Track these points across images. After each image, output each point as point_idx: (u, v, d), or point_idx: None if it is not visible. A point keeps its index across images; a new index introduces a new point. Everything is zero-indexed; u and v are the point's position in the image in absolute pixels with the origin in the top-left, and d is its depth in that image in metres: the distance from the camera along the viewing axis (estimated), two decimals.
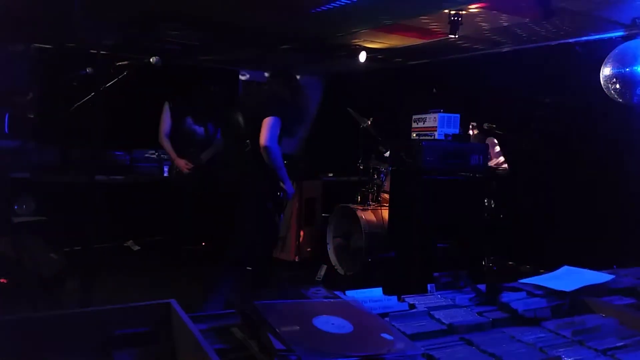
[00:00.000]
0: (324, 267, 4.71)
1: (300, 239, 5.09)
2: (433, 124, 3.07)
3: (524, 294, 1.69)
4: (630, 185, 4.21)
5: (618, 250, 4.12)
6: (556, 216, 4.83)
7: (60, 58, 5.94)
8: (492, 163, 4.47)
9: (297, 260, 5.03)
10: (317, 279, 4.57)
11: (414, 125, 3.25)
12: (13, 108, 5.85)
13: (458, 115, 3.13)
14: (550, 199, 4.90)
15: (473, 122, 4.60)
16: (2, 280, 3.33)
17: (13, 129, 5.82)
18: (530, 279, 1.88)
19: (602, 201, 4.50)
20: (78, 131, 3.69)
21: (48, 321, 1.10)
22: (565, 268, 1.97)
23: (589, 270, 1.90)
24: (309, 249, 5.26)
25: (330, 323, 1.11)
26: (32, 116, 6.01)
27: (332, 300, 1.28)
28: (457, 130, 3.11)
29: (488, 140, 4.54)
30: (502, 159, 4.56)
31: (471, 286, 1.66)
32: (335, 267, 4.83)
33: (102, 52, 6.22)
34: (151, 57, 2.58)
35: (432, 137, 3.07)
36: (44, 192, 5.33)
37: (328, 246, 4.94)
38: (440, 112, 3.07)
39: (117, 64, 2.54)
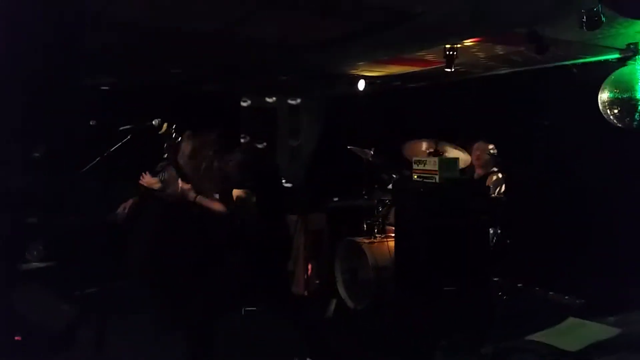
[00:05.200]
0: (334, 302, 4.71)
1: (308, 272, 5.11)
2: (433, 167, 3.11)
3: (530, 356, 1.70)
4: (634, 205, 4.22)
5: (625, 268, 4.14)
6: (562, 236, 4.83)
7: (64, 100, 6.02)
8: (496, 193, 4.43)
9: (306, 294, 5.04)
10: (327, 316, 4.57)
11: (415, 167, 3.29)
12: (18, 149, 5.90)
13: (457, 159, 3.16)
14: (555, 218, 4.90)
15: (477, 144, 4.55)
16: (17, 337, 3.35)
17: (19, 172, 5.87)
18: (536, 334, 1.90)
19: (608, 219, 4.50)
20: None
21: None
22: (570, 320, 1.98)
23: (594, 324, 1.91)
24: (317, 282, 5.27)
25: None
26: (38, 155, 6.07)
27: None
28: (457, 174, 3.13)
29: (493, 174, 4.49)
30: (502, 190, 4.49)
31: (476, 351, 1.68)
32: (345, 301, 4.83)
33: (103, 87, 6.34)
34: (153, 120, 2.64)
35: (433, 181, 3.11)
36: (54, 236, 5.35)
37: (337, 280, 4.95)
38: (440, 155, 3.11)
39: (120, 129, 2.59)
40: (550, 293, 4.84)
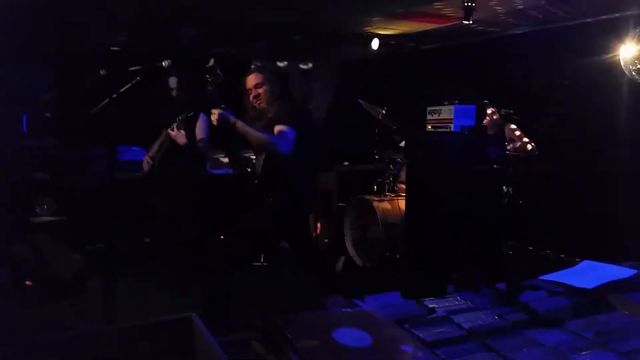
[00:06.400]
0: (342, 259, 4.72)
1: (317, 230, 5.11)
2: (448, 115, 3.03)
3: (544, 292, 1.67)
4: None
5: None
6: (576, 200, 4.77)
7: (74, 59, 5.99)
8: (515, 146, 4.35)
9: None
10: (335, 270, 4.58)
11: (429, 117, 3.21)
12: (30, 108, 5.92)
13: (474, 106, 3.09)
14: (569, 182, 4.84)
15: (491, 107, 4.50)
16: (27, 282, 3.39)
17: (31, 129, 5.90)
18: (550, 275, 1.86)
19: (624, 184, 4.42)
20: (96, 132, 3.74)
21: (71, 341, 1.12)
22: (585, 263, 1.94)
23: (610, 265, 1.88)
24: (326, 240, 5.27)
25: (349, 336, 1.12)
26: (49, 115, 6.08)
27: (350, 310, 1.28)
28: (473, 122, 3.06)
29: (506, 127, 4.45)
30: (526, 139, 4.40)
31: (490, 286, 1.64)
32: (354, 258, 4.83)
33: (114, 48, 6.28)
34: (163, 61, 2.59)
35: (448, 130, 3.04)
36: (65, 192, 5.37)
37: (345, 237, 4.95)
38: (455, 103, 3.03)
39: (130, 69, 2.55)
40: (562, 255, 4.82)
